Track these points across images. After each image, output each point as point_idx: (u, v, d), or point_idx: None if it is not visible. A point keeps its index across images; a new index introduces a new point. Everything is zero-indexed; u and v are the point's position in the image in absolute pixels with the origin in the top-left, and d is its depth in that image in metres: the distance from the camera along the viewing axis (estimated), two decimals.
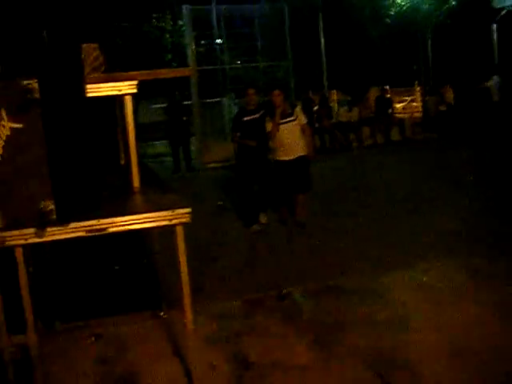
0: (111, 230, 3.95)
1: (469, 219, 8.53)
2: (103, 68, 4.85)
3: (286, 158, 8.83)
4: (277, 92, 8.84)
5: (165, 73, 4.88)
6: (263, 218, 9.18)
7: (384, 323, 5.29)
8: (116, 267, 6.84)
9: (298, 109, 9.21)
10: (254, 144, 8.99)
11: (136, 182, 4.79)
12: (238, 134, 9.21)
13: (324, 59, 21.22)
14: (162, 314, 5.76)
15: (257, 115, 9.05)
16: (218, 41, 18.38)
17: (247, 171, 9.19)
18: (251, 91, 9.21)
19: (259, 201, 9.22)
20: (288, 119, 8.81)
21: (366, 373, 4.46)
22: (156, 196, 4.62)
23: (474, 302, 5.56)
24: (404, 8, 20.92)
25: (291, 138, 8.80)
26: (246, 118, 9.11)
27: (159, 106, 18.72)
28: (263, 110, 9.03)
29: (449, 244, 7.47)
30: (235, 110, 18.95)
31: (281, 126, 8.76)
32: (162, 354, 4.99)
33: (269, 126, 8.80)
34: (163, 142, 18.02)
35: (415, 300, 5.76)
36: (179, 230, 4.05)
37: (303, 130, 8.93)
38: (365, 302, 5.79)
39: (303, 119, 8.99)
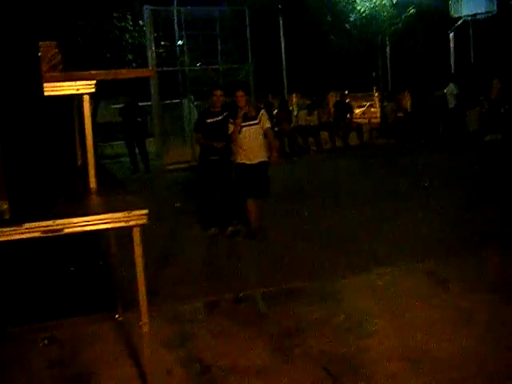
0: (67, 230, 3.89)
1: (425, 223, 8.64)
2: (61, 66, 4.78)
3: (247, 162, 8.57)
4: (240, 93, 8.60)
5: (124, 73, 4.83)
6: (212, 231, 8.91)
7: (341, 327, 5.32)
8: (71, 268, 6.77)
9: (263, 112, 8.92)
10: (220, 145, 8.78)
11: (93, 183, 4.74)
12: (200, 134, 8.96)
13: (284, 63, 21.31)
14: (117, 316, 5.70)
15: (220, 117, 8.80)
16: (179, 42, 18.28)
17: (209, 173, 8.94)
18: (218, 92, 8.95)
19: (221, 205, 8.94)
20: (251, 122, 8.55)
21: (323, 377, 4.47)
22: (113, 197, 4.57)
23: (429, 306, 5.63)
24: (364, 14, 21.11)
25: (253, 142, 8.55)
26: (209, 120, 8.86)
27: (118, 106, 18.56)
28: (226, 112, 8.80)
29: (405, 248, 7.55)
30: (195, 111, 18.93)
31: (243, 129, 8.51)
32: (116, 356, 4.94)
33: (231, 128, 8.58)
34: (122, 142, 17.87)
35: (371, 304, 5.80)
36: (136, 231, 4.01)
37: (266, 135, 8.70)
38: (322, 306, 5.81)
39: (267, 123, 8.73)
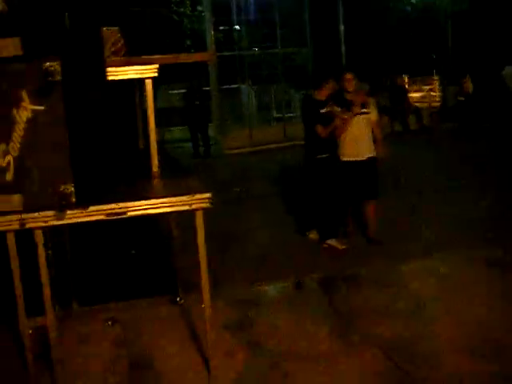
0: (131, 213, 3.95)
1: (487, 211, 8.44)
2: (123, 52, 4.83)
3: (356, 159, 7.30)
4: (349, 75, 7.31)
5: (184, 57, 4.86)
6: (339, 244, 7.44)
7: (402, 313, 5.26)
8: (133, 251, 6.87)
9: (372, 101, 7.58)
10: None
11: (155, 167, 4.78)
12: (321, 126, 7.30)
13: (343, 47, 21.06)
14: (178, 299, 5.75)
15: (328, 106, 7.34)
16: (237, 27, 18.28)
17: (319, 174, 7.48)
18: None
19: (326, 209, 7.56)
20: (362, 110, 7.30)
21: (385, 363, 4.44)
22: (175, 181, 4.62)
23: (492, 293, 5.50)
24: None
25: (365, 134, 7.32)
26: (322, 110, 7.33)
27: (178, 91, 18.70)
28: (331, 100, 7.36)
29: (467, 235, 7.39)
30: (253, 96, 18.91)
31: (354, 119, 7.24)
32: (178, 339, 4.99)
33: (338, 119, 7.23)
34: (181, 127, 18.01)
35: (433, 290, 5.71)
36: (199, 215, 4.03)
37: (373, 127, 7.42)
38: (382, 292, 5.74)
39: (376, 114, 7.50)
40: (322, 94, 7.43)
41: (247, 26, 17.98)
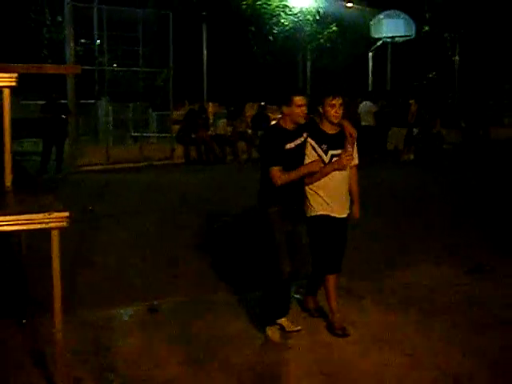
0: None
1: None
2: None
3: (335, 215, 5.34)
4: (339, 100, 5.19)
5: (51, 68, 4.64)
6: (289, 326, 5.45)
7: (257, 340, 5.27)
8: None
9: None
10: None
11: (8, 181, 4.51)
12: (279, 169, 5.15)
13: (205, 70, 21.24)
14: (24, 321, 5.43)
15: (301, 139, 5.26)
16: (98, 41, 17.89)
17: (280, 232, 5.28)
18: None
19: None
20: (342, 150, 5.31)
21: None
22: (31, 197, 4.36)
23: (346, 322, 5.64)
24: (287, 28, 21.40)
25: (345, 183, 5.40)
26: (288, 146, 5.21)
27: (28, 102, 18.03)
28: (306, 132, 5.25)
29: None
30: (110, 113, 18.55)
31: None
32: (24, 364, 4.70)
33: (312, 158, 5.25)
34: (32, 139, 17.31)
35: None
36: (55, 234, 3.83)
37: (351, 174, 5.52)
38: (239, 319, 5.72)
39: (357, 155, 5.48)
40: (291, 122, 5.24)
41: (109, 41, 17.61)
